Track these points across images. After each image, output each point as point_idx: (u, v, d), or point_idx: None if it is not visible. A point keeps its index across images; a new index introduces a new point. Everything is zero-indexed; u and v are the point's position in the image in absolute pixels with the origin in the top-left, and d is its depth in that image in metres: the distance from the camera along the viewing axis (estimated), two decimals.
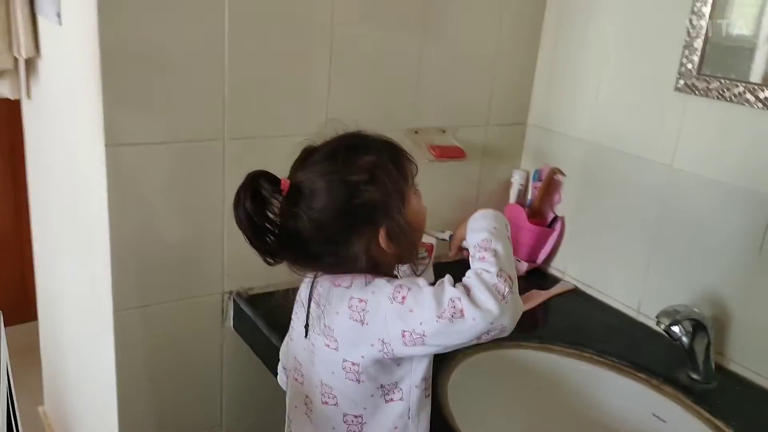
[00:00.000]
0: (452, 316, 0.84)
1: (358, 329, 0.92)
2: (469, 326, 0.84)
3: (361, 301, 0.92)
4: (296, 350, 1.05)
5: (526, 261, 1.66)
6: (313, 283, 1.01)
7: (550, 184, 1.64)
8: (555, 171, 1.63)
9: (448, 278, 0.89)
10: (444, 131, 1.58)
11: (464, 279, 0.88)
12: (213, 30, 1.24)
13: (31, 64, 1.69)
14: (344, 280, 0.96)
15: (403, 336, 0.88)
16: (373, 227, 0.93)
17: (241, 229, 0.91)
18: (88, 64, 1.21)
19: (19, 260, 2.59)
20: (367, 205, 0.92)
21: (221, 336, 1.44)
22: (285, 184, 0.93)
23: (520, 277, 1.59)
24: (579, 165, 1.59)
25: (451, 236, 1.13)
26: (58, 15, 1.35)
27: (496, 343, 0.97)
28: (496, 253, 0.91)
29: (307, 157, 0.95)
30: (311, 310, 1.01)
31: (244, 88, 1.30)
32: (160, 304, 1.35)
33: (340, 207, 0.91)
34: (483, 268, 0.88)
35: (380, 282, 0.93)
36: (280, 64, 1.33)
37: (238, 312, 1.40)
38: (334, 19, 1.35)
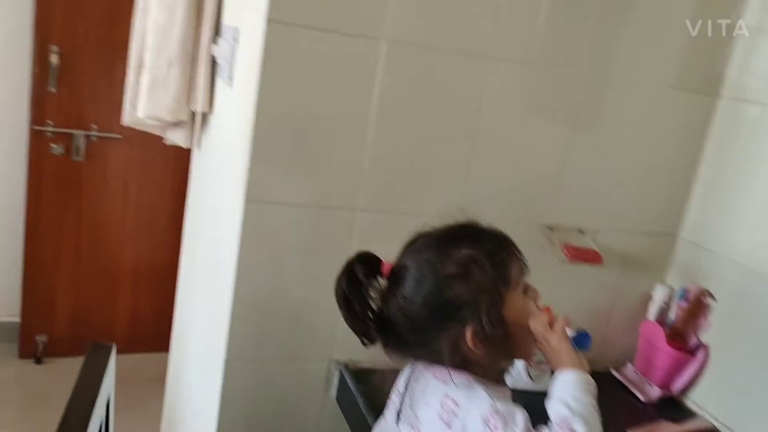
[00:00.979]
0: None
1: (443, 431, 0.88)
2: None
3: (455, 403, 0.88)
4: (383, 427, 1.02)
5: (660, 387, 1.51)
6: (412, 370, 0.98)
7: (698, 306, 1.49)
8: (705, 293, 1.48)
9: None
10: (582, 232, 1.51)
11: None
12: (362, 105, 1.28)
13: (204, 119, 1.85)
14: (443, 373, 0.92)
15: None
16: (459, 325, 0.90)
17: (338, 305, 0.92)
18: (245, 123, 1.30)
19: (172, 291, 2.79)
20: (454, 302, 0.89)
21: (323, 404, 1.43)
22: (386, 268, 0.93)
23: (650, 404, 1.46)
24: (732, 290, 1.44)
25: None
26: (230, 78, 1.47)
27: None
28: None
29: (414, 242, 0.95)
30: (406, 398, 0.97)
31: (382, 163, 1.33)
32: (270, 361, 1.37)
33: (426, 298, 0.90)
34: None
35: (480, 392, 0.89)
36: (422, 144, 1.34)
37: (342, 383, 1.39)
38: (482, 107, 1.35)
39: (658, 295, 1.57)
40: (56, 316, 2.73)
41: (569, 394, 0.89)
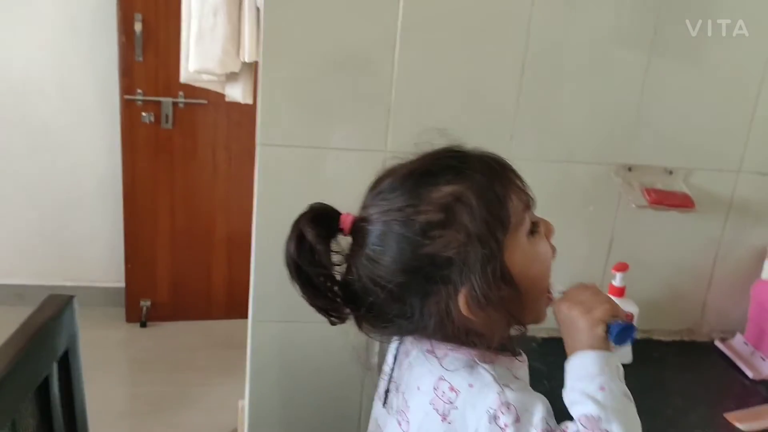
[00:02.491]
0: None
1: (437, 423, 0.70)
2: None
3: (452, 389, 0.70)
4: (378, 414, 0.85)
5: None
6: (400, 342, 0.81)
7: None
8: None
9: None
10: (671, 172, 1.24)
11: None
12: (386, 31, 1.11)
13: (256, 69, 1.75)
14: (439, 348, 0.73)
15: None
16: (448, 287, 0.69)
17: (290, 278, 0.73)
18: None
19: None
20: (437, 259, 0.68)
21: (364, 371, 1.29)
22: (346, 223, 0.73)
23: (760, 383, 1.18)
24: None
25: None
26: None
27: None
28: None
29: (379, 183, 0.73)
30: (393, 380, 0.80)
31: (413, 98, 1.15)
32: (298, 323, 1.25)
33: (400, 259, 0.69)
34: None
35: (485, 375, 0.69)
36: (460, 69, 1.15)
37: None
38: (532, 18, 1.13)
39: None
40: (157, 282, 2.79)
41: (595, 383, 0.68)
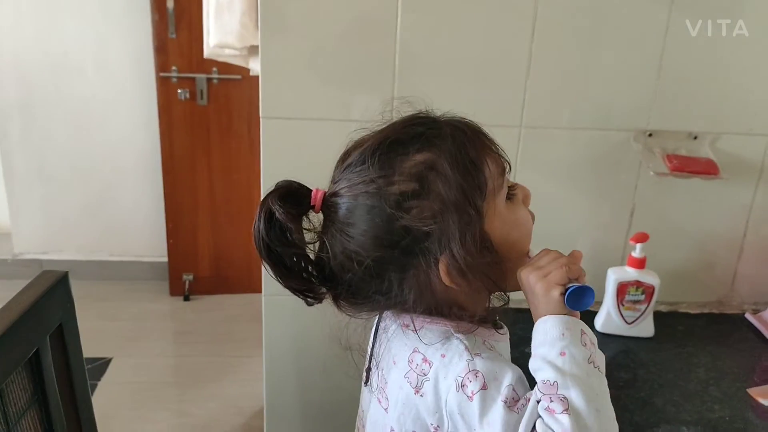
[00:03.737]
0: None
1: (410, 397, 0.69)
2: None
3: (425, 361, 0.68)
4: (363, 394, 0.84)
5: None
6: (380, 318, 0.79)
7: None
8: None
9: (529, 412, 0.62)
10: (696, 137, 1.17)
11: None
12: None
13: None
14: (416, 320, 0.71)
15: None
16: (427, 259, 0.66)
17: (261, 260, 0.70)
18: None
19: None
20: (413, 232, 0.65)
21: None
22: (316, 198, 0.70)
23: None
24: None
25: None
26: None
27: None
28: (569, 405, 0.61)
29: (348, 155, 0.70)
30: (374, 358, 0.78)
31: (417, 65, 1.11)
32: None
33: (374, 233, 0.66)
34: (551, 428, 0.60)
35: (457, 345, 0.68)
36: (467, 36, 1.11)
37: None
38: None
39: None
40: (198, 256, 2.86)
41: (556, 348, 0.64)
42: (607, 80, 1.14)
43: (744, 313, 1.26)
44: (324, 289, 0.72)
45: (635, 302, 1.16)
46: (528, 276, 0.68)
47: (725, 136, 1.17)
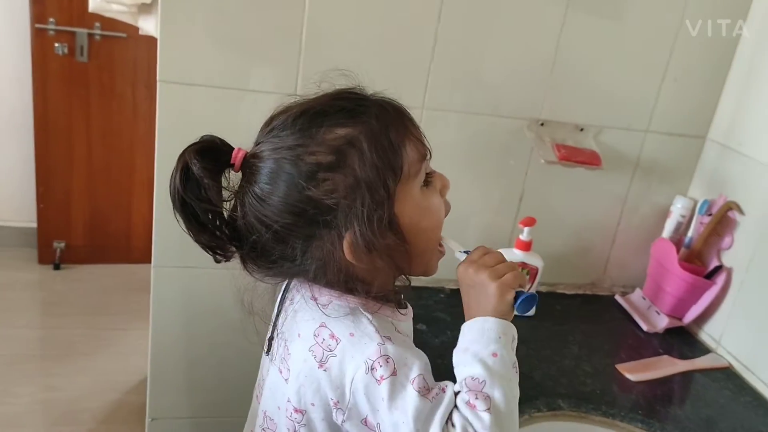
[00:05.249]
0: None
1: (314, 370, 0.69)
2: None
3: (332, 337, 0.69)
4: (263, 362, 0.84)
5: (668, 316, 1.26)
6: (287, 286, 0.79)
7: (721, 222, 1.23)
8: (731, 206, 1.21)
9: (446, 403, 0.65)
10: (582, 129, 1.25)
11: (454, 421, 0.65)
12: None
13: None
14: (323, 294, 0.72)
15: (365, 423, 0.67)
16: (333, 231, 0.67)
17: (174, 212, 0.70)
18: None
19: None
20: (323, 201, 0.66)
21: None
22: (238, 158, 0.70)
23: (654, 336, 1.23)
24: (765, 203, 1.16)
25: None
26: None
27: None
28: (491, 404, 0.65)
29: (272, 120, 0.71)
30: (277, 326, 0.78)
31: (324, 39, 1.10)
32: (200, 269, 1.21)
33: (286, 198, 0.67)
34: (471, 423, 0.64)
35: (366, 325, 0.69)
36: (376, 15, 1.11)
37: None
38: None
39: (677, 208, 1.31)
40: (72, 223, 2.69)
41: (489, 348, 0.69)
42: (507, 70, 1.18)
43: (614, 295, 1.37)
44: (233, 248, 0.72)
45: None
46: (478, 274, 0.71)
47: (607, 129, 1.26)
